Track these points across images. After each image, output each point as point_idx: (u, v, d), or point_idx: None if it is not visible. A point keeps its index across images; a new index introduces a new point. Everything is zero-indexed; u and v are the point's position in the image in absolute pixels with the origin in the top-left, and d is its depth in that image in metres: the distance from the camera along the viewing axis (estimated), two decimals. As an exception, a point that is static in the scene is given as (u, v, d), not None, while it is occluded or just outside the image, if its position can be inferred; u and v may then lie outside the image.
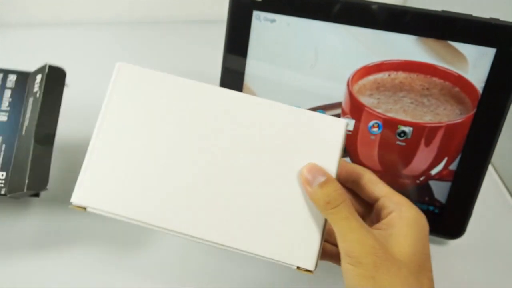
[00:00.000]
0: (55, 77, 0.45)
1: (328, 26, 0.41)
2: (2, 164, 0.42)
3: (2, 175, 0.41)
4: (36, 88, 0.45)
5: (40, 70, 0.46)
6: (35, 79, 0.46)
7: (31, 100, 0.45)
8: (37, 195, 0.46)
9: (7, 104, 0.44)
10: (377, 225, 0.32)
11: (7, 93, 0.44)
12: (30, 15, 0.75)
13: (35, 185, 0.40)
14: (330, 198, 0.29)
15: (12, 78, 0.46)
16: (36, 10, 0.75)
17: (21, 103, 0.44)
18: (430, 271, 0.30)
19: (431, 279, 0.30)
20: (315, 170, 0.30)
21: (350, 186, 0.36)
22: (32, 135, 0.42)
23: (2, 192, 0.41)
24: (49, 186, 0.45)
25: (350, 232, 0.29)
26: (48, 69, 0.44)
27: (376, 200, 0.33)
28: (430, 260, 0.30)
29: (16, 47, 0.71)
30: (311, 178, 0.30)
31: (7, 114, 0.44)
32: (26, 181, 0.39)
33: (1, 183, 0.41)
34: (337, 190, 0.29)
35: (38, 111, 0.43)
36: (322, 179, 0.30)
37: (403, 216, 0.30)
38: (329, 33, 0.42)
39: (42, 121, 0.43)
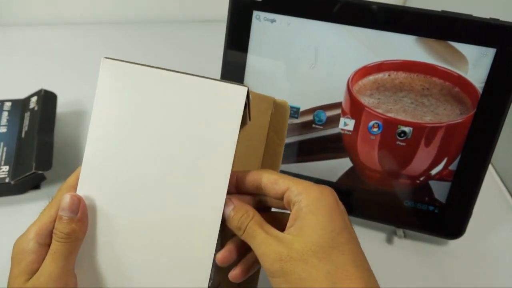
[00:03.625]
0: (49, 98, 0.55)
1: (328, 26, 0.41)
2: (4, 160, 0.48)
3: (6, 168, 0.48)
4: (32, 105, 0.54)
5: (36, 94, 0.55)
6: (30, 100, 0.54)
7: (27, 114, 0.53)
8: (38, 187, 0.50)
9: (5, 121, 0.53)
10: (288, 224, 0.31)
11: (5, 114, 0.54)
12: (30, 15, 0.75)
13: (42, 166, 0.47)
14: (239, 224, 0.31)
15: (8, 104, 0.55)
16: (36, 10, 0.75)
17: (17, 119, 0.53)
18: (345, 243, 0.29)
19: (346, 253, 0.29)
20: (225, 201, 0.31)
21: (259, 193, 0.34)
22: (35, 133, 0.50)
23: (7, 180, 0.46)
24: (49, 180, 0.49)
25: (259, 247, 0.30)
26: (44, 92, 0.55)
27: (282, 198, 0.32)
28: (347, 229, 0.29)
29: (16, 47, 0.71)
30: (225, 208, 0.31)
31: (6, 127, 0.52)
32: (34, 164, 0.47)
33: (5, 174, 0.47)
34: (243, 214, 0.31)
35: (38, 117, 0.51)
36: (231, 207, 0.31)
37: (303, 206, 0.30)
38: (329, 33, 0.42)
39: (42, 122, 0.51)
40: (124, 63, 0.33)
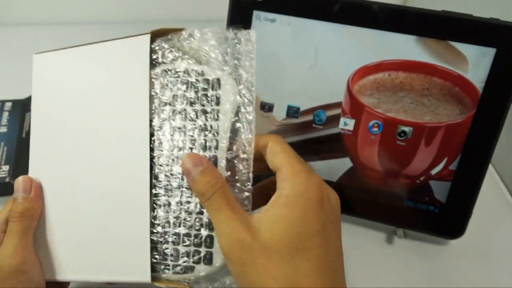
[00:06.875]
0: None
1: (328, 26, 0.41)
2: (5, 159, 0.49)
3: (6, 167, 0.48)
4: None
5: None
6: (30, 100, 0.53)
7: (28, 114, 0.53)
8: None
9: (6, 121, 0.53)
10: (264, 208, 0.29)
11: (5, 114, 0.54)
12: (30, 15, 0.75)
13: None
14: (204, 189, 0.28)
15: (8, 104, 0.55)
16: (36, 10, 0.75)
17: (17, 119, 0.53)
18: (313, 248, 0.26)
19: (312, 259, 0.26)
20: (194, 158, 0.29)
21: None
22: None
23: (7, 180, 0.47)
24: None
25: (220, 224, 0.28)
26: None
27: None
28: (320, 235, 0.27)
29: (16, 47, 0.71)
30: (190, 167, 0.29)
31: (6, 127, 0.52)
32: None
33: (5, 174, 0.48)
34: (211, 180, 0.29)
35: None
36: (200, 168, 0.29)
37: (283, 195, 0.27)
38: (329, 33, 0.41)
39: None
40: (49, 52, 0.37)
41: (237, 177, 0.31)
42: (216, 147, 0.31)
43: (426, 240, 0.47)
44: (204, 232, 0.31)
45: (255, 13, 0.43)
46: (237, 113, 0.31)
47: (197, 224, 0.31)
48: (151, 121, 0.33)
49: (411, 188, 0.45)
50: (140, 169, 0.32)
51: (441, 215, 0.44)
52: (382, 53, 0.41)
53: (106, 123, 0.33)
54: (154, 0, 0.76)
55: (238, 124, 0.31)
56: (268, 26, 0.43)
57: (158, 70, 0.33)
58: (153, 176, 0.32)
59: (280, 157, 0.29)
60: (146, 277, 0.31)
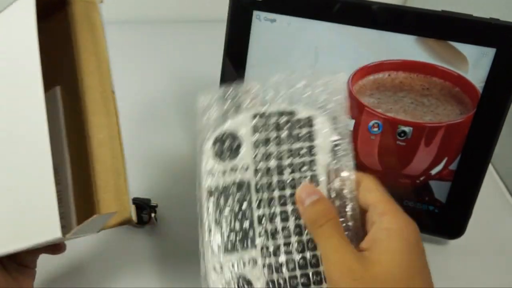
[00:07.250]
0: None
1: (328, 26, 0.41)
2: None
3: None
4: None
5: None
6: None
7: None
8: None
9: None
10: (362, 243, 0.29)
11: None
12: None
13: None
14: (317, 216, 0.29)
15: None
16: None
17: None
18: (422, 281, 0.27)
19: None
20: (309, 189, 0.30)
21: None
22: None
23: None
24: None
25: (332, 252, 0.28)
26: None
27: (367, 210, 0.31)
28: (424, 270, 0.28)
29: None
30: (304, 197, 0.30)
31: None
32: None
33: None
34: (325, 209, 0.29)
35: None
36: (314, 198, 0.29)
37: (384, 228, 0.28)
38: (329, 33, 0.42)
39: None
40: None
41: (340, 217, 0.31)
42: (317, 184, 0.31)
43: (426, 240, 0.46)
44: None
45: (255, 13, 0.43)
46: (332, 151, 0.31)
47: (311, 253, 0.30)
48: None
49: (411, 188, 0.45)
50: (37, 130, 0.31)
51: (441, 215, 0.44)
52: (382, 53, 0.41)
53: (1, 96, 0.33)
54: (154, 0, 0.76)
55: (334, 162, 0.31)
56: (268, 26, 0.43)
57: (248, 114, 0.33)
58: (257, 220, 0.31)
59: (375, 194, 0.30)
60: (57, 233, 0.30)
